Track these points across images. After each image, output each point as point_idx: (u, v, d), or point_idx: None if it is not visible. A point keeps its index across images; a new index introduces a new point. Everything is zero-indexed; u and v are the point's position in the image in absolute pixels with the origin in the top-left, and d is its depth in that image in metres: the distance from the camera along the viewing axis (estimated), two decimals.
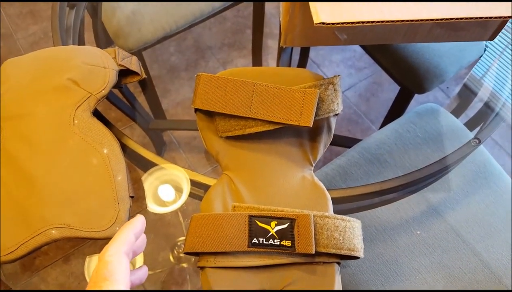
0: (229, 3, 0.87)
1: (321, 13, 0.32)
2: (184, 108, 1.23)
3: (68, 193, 0.36)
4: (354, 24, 0.32)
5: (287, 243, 0.35)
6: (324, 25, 0.32)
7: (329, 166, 0.66)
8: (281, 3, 0.44)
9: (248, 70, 0.43)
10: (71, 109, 0.39)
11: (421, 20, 0.32)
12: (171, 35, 0.86)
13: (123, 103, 0.77)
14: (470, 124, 0.69)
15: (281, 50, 0.75)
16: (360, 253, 0.36)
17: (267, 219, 0.36)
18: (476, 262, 0.57)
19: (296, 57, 1.16)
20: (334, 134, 0.43)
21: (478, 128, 0.64)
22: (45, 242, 0.35)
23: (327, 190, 0.42)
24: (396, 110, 0.91)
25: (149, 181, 0.48)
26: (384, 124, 0.96)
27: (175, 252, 0.97)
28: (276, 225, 0.36)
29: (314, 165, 0.42)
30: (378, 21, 0.32)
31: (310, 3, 0.34)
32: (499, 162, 0.66)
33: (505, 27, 0.44)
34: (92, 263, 0.48)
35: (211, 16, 0.88)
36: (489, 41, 0.48)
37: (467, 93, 0.73)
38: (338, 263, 0.36)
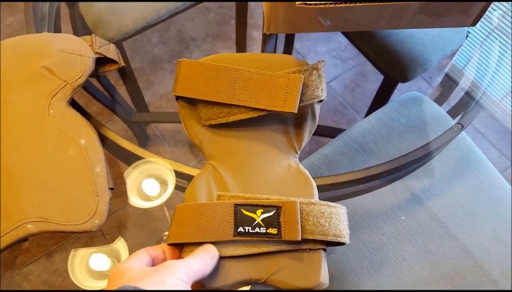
0: None
1: None
2: (168, 100, 1.21)
3: (44, 186, 0.35)
4: (337, 5, 0.31)
5: (273, 230, 0.34)
6: (306, 6, 0.31)
7: (314, 156, 0.65)
8: None
9: (232, 56, 0.42)
10: (46, 99, 0.38)
11: (405, 1, 0.31)
12: (152, 24, 0.84)
13: (104, 96, 0.75)
14: (452, 113, 0.69)
15: (265, 40, 0.74)
16: (346, 239, 0.36)
17: (253, 207, 0.35)
18: (459, 247, 0.58)
19: (280, 48, 1.15)
20: (319, 125, 0.42)
21: (460, 116, 0.65)
22: (21, 236, 0.34)
23: (313, 178, 0.41)
24: (380, 99, 0.91)
25: (133, 175, 0.47)
26: (368, 114, 0.96)
27: None
28: (262, 213, 0.35)
29: (299, 152, 0.41)
30: (360, 1, 0.31)
31: None
32: (482, 150, 0.67)
33: (486, 17, 0.44)
34: (76, 257, 0.46)
35: (193, 5, 0.86)
36: (471, 27, 0.49)
37: (449, 83, 0.74)
38: (324, 250, 0.36)
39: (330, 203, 0.36)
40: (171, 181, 0.45)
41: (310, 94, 0.39)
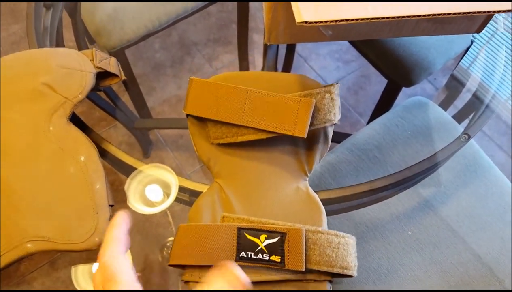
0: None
1: (304, 12, 0.31)
2: (170, 106, 1.21)
3: (44, 204, 0.35)
4: (338, 23, 0.31)
5: (276, 258, 0.33)
6: (306, 24, 0.31)
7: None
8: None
9: (244, 75, 0.42)
10: (46, 116, 0.37)
11: (407, 16, 0.31)
12: (154, 32, 0.83)
13: (106, 103, 0.74)
14: (459, 117, 0.68)
15: (266, 45, 0.74)
16: (354, 272, 0.34)
17: (257, 231, 0.34)
18: (467, 256, 0.57)
19: (282, 51, 1.15)
20: None
21: (467, 121, 0.63)
22: (20, 256, 0.34)
23: (317, 188, 0.41)
24: (384, 103, 0.90)
25: (133, 185, 0.46)
26: (372, 117, 0.95)
27: (165, 253, 0.96)
28: (266, 238, 0.34)
29: (309, 175, 0.40)
30: (362, 19, 0.31)
31: (292, 3, 0.32)
32: (488, 153, 0.66)
33: (494, 17, 0.43)
34: (78, 272, 0.46)
35: (195, 12, 0.86)
36: (476, 33, 0.48)
37: (454, 85, 0.73)
38: (330, 281, 0.35)
39: (338, 233, 0.35)
40: (174, 186, 0.45)
41: (321, 118, 0.38)
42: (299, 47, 1.34)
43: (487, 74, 0.66)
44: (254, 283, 0.34)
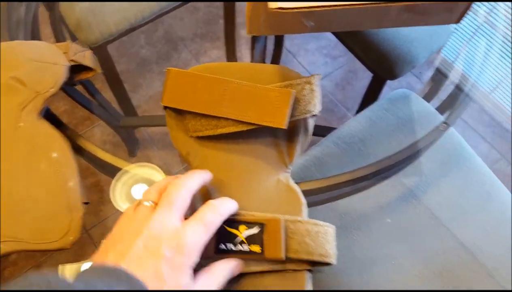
0: None
1: None
2: (157, 102, 1.20)
3: (15, 203, 0.34)
4: (313, 9, 0.30)
5: (256, 248, 0.33)
6: (281, 11, 0.30)
7: (304, 157, 0.64)
8: None
9: (224, 65, 0.41)
10: (16, 111, 0.36)
11: (383, 3, 0.30)
12: (137, 26, 0.82)
13: (88, 101, 0.73)
14: (442, 108, 0.69)
15: (254, 40, 0.73)
16: (333, 259, 0.34)
17: (236, 223, 0.34)
18: (450, 243, 0.58)
19: (270, 47, 1.14)
20: None
21: (448, 113, 0.64)
22: None
23: (302, 180, 0.40)
24: (370, 97, 0.90)
25: (118, 186, 0.46)
26: (358, 111, 0.95)
27: None
28: (246, 230, 0.34)
29: (290, 167, 0.40)
30: (339, 5, 0.30)
31: None
32: (471, 144, 0.67)
33: (473, 10, 0.43)
34: (65, 271, 0.45)
35: (179, 6, 0.84)
36: (456, 24, 0.48)
37: (439, 77, 0.73)
38: (310, 271, 0.35)
39: (318, 222, 0.35)
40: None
41: (301, 109, 0.38)
42: (288, 43, 1.34)
43: (467, 65, 0.67)
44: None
